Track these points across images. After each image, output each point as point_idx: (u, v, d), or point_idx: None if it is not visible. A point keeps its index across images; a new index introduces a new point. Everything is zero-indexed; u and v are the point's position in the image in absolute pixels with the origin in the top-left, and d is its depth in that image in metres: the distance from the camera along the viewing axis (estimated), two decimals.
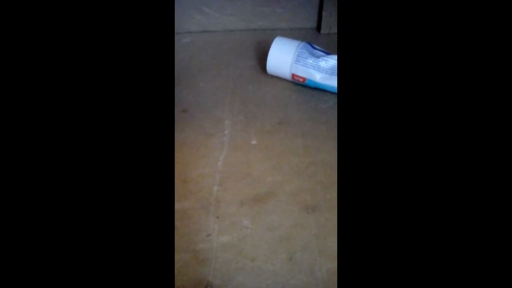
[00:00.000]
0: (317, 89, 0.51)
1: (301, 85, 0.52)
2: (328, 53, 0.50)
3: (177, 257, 0.33)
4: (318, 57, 0.49)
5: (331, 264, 0.32)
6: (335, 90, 0.49)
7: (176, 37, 0.63)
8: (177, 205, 0.37)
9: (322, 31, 0.63)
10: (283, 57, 0.51)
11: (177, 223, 0.35)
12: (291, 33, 0.59)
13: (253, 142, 0.44)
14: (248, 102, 0.50)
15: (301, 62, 0.50)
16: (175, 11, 0.59)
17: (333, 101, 0.50)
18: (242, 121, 0.47)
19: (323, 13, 0.62)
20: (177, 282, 0.31)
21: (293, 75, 0.51)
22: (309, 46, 0.51)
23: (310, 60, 0.49)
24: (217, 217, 0.36)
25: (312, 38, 0.62)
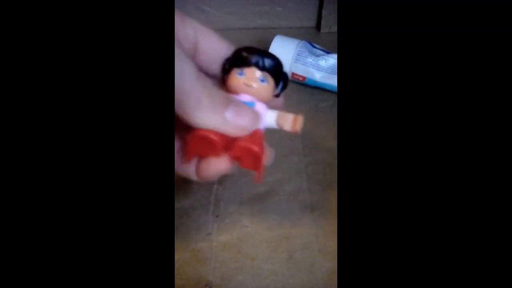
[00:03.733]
0: (317, 88, 0.51)
1: (300, 84, 0.52)
2: (328, 52, 0.50)
3: (176, 256, 0.33)
4: (318, 56, 0.49)
5: (331, 263, 0.32)
6: (335, 89, 0.49)
7: None
8: (177, 204, 0.37)
9: (322, 30, 0.63)
10: (283, 56, 0.50)
11: (176, 222, 0.35)
12: (291, 32, 0.59)
13: None
14: None
15: (301, 61, 0.49)
16: (175, 9, 0.59)
17: (333, 100, 0.50)
18: None
19: (323, 12, 0.61)
20: (176, 281, 0.31)
21: (293, 74, 0.51)
22: (308, 45, 0.51)
23: (310, 59, 0.49)
24: (217, 216, 0.36)
25: (311, 36, 0.62)
